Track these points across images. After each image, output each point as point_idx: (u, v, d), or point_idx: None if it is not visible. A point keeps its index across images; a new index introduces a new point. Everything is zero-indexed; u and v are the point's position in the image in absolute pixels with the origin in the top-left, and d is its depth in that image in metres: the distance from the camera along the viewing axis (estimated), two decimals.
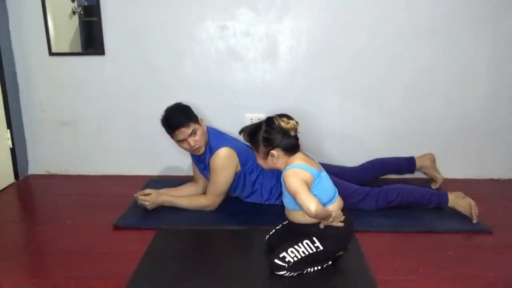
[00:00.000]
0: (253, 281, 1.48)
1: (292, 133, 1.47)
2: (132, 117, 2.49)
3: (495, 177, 2.52)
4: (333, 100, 2.42)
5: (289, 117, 1.50)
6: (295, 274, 1.48)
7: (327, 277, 1.49)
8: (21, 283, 1.51)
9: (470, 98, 2.39)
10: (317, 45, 2.35)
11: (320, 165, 1.55)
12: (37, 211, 2.21)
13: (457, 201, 1.98)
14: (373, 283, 1.45)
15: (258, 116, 2.32)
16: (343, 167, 2.27)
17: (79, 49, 2.46)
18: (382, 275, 1.51)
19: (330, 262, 1.54)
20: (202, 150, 1.97)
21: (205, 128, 2.01)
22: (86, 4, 2.38)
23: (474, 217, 1.88)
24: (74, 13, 2.38)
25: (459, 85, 2.38)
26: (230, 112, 2.44)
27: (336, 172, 2.01)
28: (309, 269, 1.50)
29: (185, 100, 2.01)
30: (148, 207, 1.99)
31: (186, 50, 2.38)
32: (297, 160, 1.48)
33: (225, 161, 1.91)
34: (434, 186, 2.29)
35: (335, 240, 1.49)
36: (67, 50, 2.43)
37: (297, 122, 1.49)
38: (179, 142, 1.94)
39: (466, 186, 2.25)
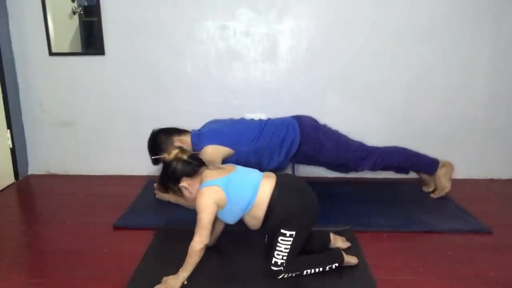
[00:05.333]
0: (253, 281, 1.48)
1: (185, 158, 1.49)
2: (132, 117, 2.49)
3: (495, 177, 2.51)
4: (333, 100, 2.42)
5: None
6: (293, 275, 1.47)
7: (327, 277, 1.49)
8: (21, 283, 1.51)
9: (470, 98, 2.39)
10: (317, 45, 2.35)
11: (233, 165, 1.56)
12: (37, 211, 2.20)
13: (443, 178, 2.10)
14: (373, 283, 1.45)
15: (258, 116, 2.32)
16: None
17: (79, 49, 2.46)
18: (382, 275, 1.51)
19: (333, 266, 1.52)
20: None
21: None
22: (86, 4, 2.39)
23: (434, 195, 2.12)
24: (74, 13, 2.39)
25: (459, 85, 2.38)
26: (230, 112, 2.42)
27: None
28: (308, 271, 1.50)
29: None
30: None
31: (186, 50, 2.38)
32: (207, 176, 1.49)
33: (210, 155, 1.92)
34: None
35: (298, 218, 1.47)
36: (67, 50, 2.43)
37: (179, 148, 1.54)
38: None
39: (466, 186, 2.25)
